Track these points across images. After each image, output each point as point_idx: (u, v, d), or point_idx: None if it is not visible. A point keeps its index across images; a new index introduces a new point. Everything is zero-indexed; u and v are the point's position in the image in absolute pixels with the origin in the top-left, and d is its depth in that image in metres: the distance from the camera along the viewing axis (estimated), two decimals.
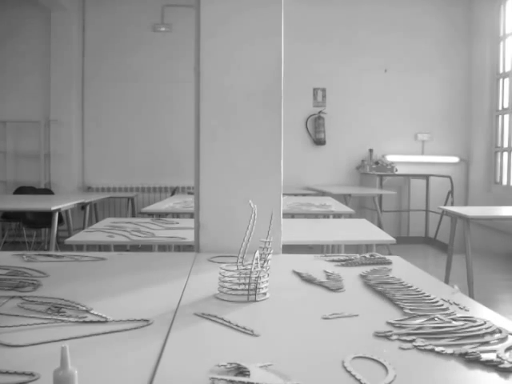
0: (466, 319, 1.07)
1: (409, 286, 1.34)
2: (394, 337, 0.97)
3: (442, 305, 1.20)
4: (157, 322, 1.07)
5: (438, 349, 0.91)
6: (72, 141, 6.80)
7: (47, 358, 0.87)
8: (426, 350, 0.91)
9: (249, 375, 0.77)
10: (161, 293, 1.32)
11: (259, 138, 1.92)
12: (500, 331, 1.01)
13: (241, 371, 0.80)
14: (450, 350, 0.90)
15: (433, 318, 1.08)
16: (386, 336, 0.98)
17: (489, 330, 1.01)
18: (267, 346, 0.96)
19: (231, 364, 0.82)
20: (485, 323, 1.05)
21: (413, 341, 0.95)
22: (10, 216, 6.07)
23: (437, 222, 6.79)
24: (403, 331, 1.00)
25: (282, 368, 0.82)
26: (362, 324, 1.08)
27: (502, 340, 0.97)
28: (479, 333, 1.00)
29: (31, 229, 6.31)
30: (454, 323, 1.05)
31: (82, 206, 5.64)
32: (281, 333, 1.04)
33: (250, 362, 0.84)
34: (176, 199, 4.58)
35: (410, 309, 1.15)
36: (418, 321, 1.07)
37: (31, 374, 0.78)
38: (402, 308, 1.17)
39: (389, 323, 1.06)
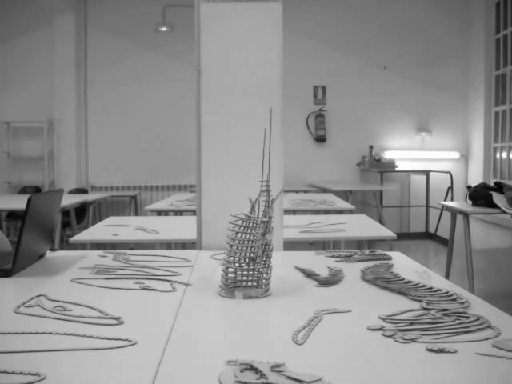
0: (460, 315, 1.08)
1: (408, 281, 1.37)
2: (388, 333, 0.98)
3: (447, 293, 1.23)
4: (159, 321, 1.09)
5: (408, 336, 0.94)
6: (75, 141, 6.82)
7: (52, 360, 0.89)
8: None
9: (264, 376, 0.77)
10: (162, 291, 1.34)
11: (260, 136, 1.94)
12: (491, 328, 1.01)
13: (255, 371, 0.79)
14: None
15: (425, 314, 1.09)
16: (380, 329, 1.00)
17: (481, 327, 1.01)
18: (270, 343, 0.98)
19: (243, 363, 0.81)
20: (478, 319, 1.05)
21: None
22: (14, 216, 6.11)
23: (437, 217, 6.81)
24: (394, 327, 1.02)
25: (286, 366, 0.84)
26: (358, 319, 1.11)
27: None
28: (470, 329, 1.00)
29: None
30: (446, 319, 1.05)
31: (84, 205, 5.66)
32: (284, 329, 1.05)
33: (254, 357, 0.86)
34: (179, 197, 4.61)
35: (427, 302, 1.17)
36: (408, 314, 1.10)
37: (37, 374, 0.79)
38: (419, 301, 1.19)
39: (380, 318, 1.08)
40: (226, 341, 0.99)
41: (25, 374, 0.79)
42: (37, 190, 6.53)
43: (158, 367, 0.84)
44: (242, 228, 1.27)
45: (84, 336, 0.98)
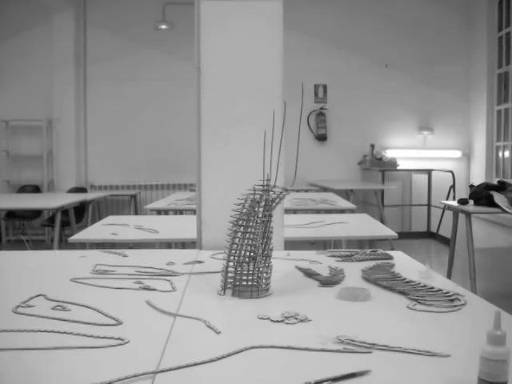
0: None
1: (409, 281, 1.35)
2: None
3: (448, 293, 1.23)
4: (159, 320, 1.08)
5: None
6: (74, 139, 6.80)
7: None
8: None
9: None
10: (163, 290, 1.33)
11: (260, 135, 1.92)
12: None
13: None
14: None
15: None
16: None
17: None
18: (270, 342, 0.97)
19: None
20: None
21: None
22: (13, 215, 6.10)
23: (439, 216, 6.80)
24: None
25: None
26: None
27: None
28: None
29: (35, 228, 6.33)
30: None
31: (84, 204, 5.64)
32: (285, 328, 1.04)
33: (255, 358, 0.84)
34: (179, 196, 4.60)
35: (416, 296, 1.19)
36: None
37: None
38: (406, 294, 1.21)
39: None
40: (227, 341, 0.98)
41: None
42: (36, 188, 6.51)
43: (158, 367, 0.83)
44: (242, 227, 1.26)
45: (78, 335, 0.97)
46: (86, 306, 1.16)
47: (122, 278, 1.44)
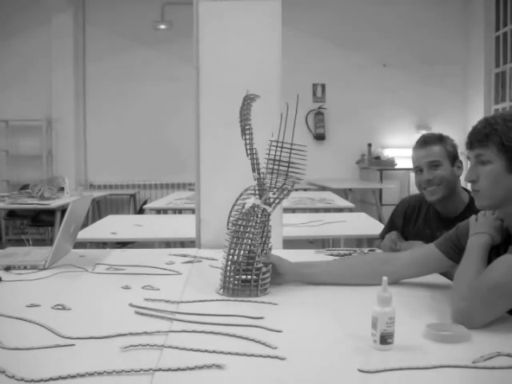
0: None
1: None
2: None
3: None
4: (158, 322, 1.08)
5: None
6: (74, 139, 6.80)
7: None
8: None
9: None
10: (162, 289, 1.34)
11: (259, 135, 1.93)
12: None
13: None
14: None
15: None
16: None
17: None
18: (268, 341, 0.98)
19: None
20: None
21: None
22: (14, 214, 6.10)
23: None
24: None
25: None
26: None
27: None
28: None
29: (37, 227, 6.31)
30: None
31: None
32: (282, 327, 1.05)
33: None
34: (178, 195, 4.60)
35: None
36: None
37: None
38: None
39: None
40: (225, 339, 0.98)
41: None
42: None
43: (157, 363, 0.84)
44: (241, 226, 1.27)
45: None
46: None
47: (121, 274, 1.45)
